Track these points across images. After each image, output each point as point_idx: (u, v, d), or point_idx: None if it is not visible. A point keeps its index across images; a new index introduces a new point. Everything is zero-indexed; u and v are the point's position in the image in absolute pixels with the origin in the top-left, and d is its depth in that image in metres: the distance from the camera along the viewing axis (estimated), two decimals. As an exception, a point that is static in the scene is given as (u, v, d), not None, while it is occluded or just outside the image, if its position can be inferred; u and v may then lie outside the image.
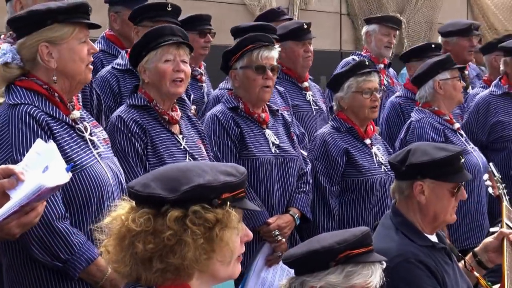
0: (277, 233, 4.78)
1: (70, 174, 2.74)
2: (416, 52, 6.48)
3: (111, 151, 3.70)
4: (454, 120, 5.67)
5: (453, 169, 3.71)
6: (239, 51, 4.84)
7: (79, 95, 3.68)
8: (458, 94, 5.63)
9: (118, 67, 5.20)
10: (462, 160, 3.76)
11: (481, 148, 5.91)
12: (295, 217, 4.89)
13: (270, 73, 4.83)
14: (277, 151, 4.88)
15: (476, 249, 4.06)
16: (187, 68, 4.33)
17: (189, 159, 4.26)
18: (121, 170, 3.68)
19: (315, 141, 5.23)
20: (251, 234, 2.49)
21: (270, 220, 4.79)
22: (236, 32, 6.00)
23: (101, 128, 3.72)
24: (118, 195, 3.46)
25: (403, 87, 6.47)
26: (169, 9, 5.30)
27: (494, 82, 6.21)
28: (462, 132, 5.68)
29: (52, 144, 2.84)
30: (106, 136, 3.70)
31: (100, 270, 3.42)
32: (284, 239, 4.81)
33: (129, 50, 5.23)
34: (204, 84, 6.06)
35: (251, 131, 4.86)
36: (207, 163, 2.90)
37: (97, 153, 3.51)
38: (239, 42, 4.91)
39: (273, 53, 4.88)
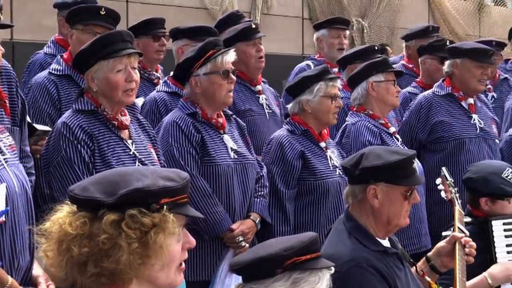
0: (241, 239, 4.77)
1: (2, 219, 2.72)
2: (360, 54, 6.39)
3: (18, 158, 3.57)
4: (389, 124, 5.64)
5: (406, 173, 3.69)
6: (202, 57, 4.79)
7: (7, 100, 3.59)
8: (391, 97, 5.56)
9: (55, 72, 5.11)
10: (415, 164, 3.76)
11: (419, 147, 5.89)
12: (256, 221, 4.88)
13: (233, 77, 4.83)
14: (236, 156, 4.86)
15: (429, 254, 4.06)
16: (137, 75, 4.28)
17: (138, 165, 4.19)
18: (27, 178, 3.55)
19: (271, 144, 5.18)
20: (193, 241, 2.45)
21: (234, 226, 4.77)
22: (176, 33, 5.96)
23: (8, 133, 3.57)
24: (23, 204, 3.37)
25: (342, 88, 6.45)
26: (102, 12, 5.18)
27: (437, 83, 6.17)
28: (398, 136, 5.64)
29: (2, 186, 2.84)
30: (13, 142, 3.56)
31: (0, 281, 3.28)
32: (247, 245, 4.79)
33: (64, 55, 5.18)
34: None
35: (210, 137, 4.82)
36: (149, 168, 2.86)
37: (4, 159, 3.37)
38: (201, 48, 4.85)
39: (232, 57, 4.86)
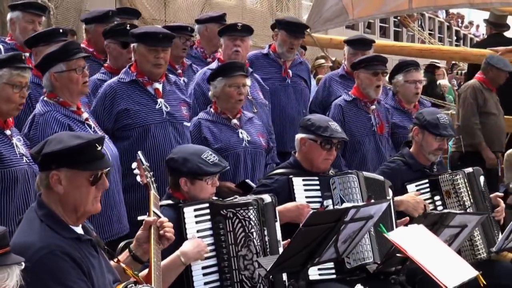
0: None
1: None
2: (43, 36, 6.19)
3: None
4: (82, 110, 5.48)
5: (90, 157, 3.67)
6: None
7: None
8: (74, 85, 5.35)
9: None
10: (99, 148, 3.71)
11: (109, 136, 5.84)
12: None
13: None
14: None
15: (132, 244, 4.11)
16: None
17: None
18: None
19: None
20: None
21: None
22: None
23: None
24: None
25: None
26: None
27: (123, 70, 6.18)
28: (91, 122, 5.50)
29: None
30: None
31: None
32: None
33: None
34: None
35: None
36: None
37: None
38: None
39: None
